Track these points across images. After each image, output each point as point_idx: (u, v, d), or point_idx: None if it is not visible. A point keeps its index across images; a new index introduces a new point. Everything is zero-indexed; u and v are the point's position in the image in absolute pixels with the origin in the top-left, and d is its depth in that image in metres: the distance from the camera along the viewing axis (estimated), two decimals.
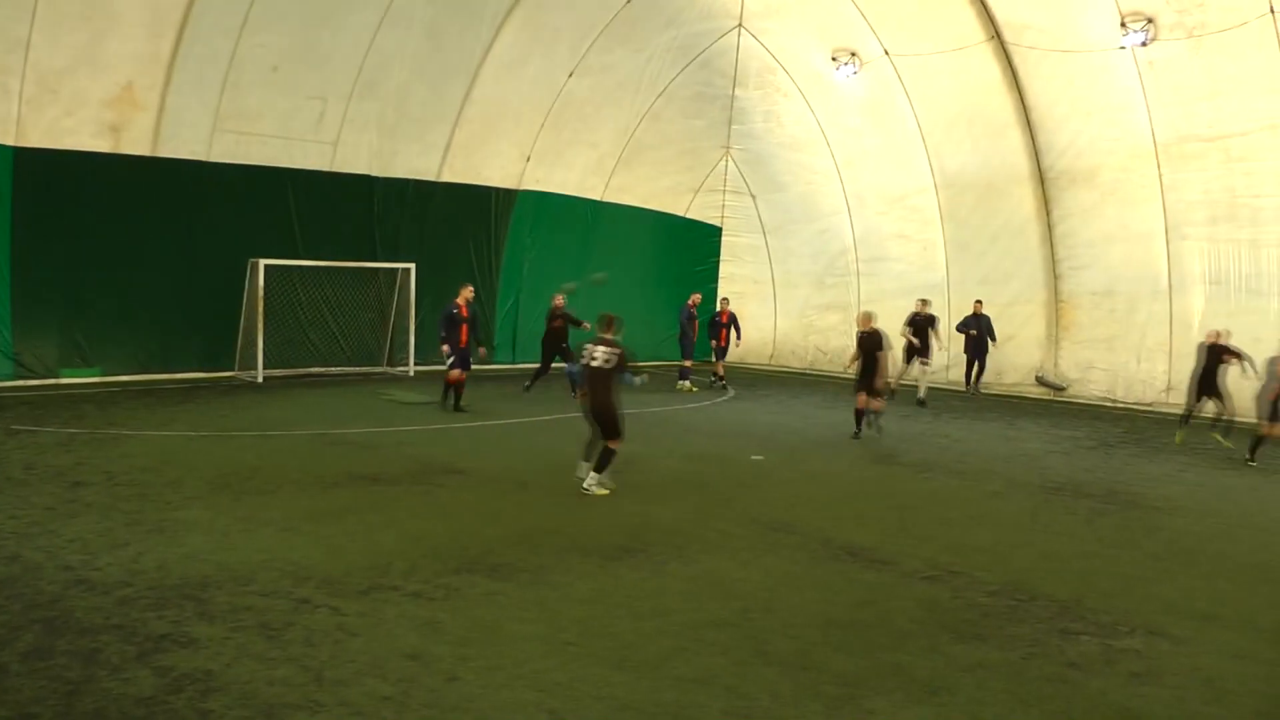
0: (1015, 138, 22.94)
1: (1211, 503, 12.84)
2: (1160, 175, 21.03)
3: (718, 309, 25.06)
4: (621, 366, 11.28)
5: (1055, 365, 23.45)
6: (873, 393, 16.50)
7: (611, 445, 11.34)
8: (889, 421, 17.24)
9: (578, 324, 19.80)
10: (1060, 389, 23.19)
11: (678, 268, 28.37)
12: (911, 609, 7.93)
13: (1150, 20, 19.67)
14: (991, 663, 6.86)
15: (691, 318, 23.61)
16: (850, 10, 23.34)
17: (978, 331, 23.11)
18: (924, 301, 22.25)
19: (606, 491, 11.31)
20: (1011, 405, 22.19)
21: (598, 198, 26.57)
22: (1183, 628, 7.79)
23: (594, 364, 11.31)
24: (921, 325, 21.69)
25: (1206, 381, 17.05)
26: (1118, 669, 6.87)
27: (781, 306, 28.96)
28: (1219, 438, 16.93)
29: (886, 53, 23.67)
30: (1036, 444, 17.02)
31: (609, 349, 11.30)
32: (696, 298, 24.37)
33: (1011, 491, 12.99)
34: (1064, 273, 23.14)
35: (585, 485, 11.35)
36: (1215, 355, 16.94)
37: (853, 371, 17.20)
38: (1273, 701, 6.51)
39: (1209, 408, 17.43)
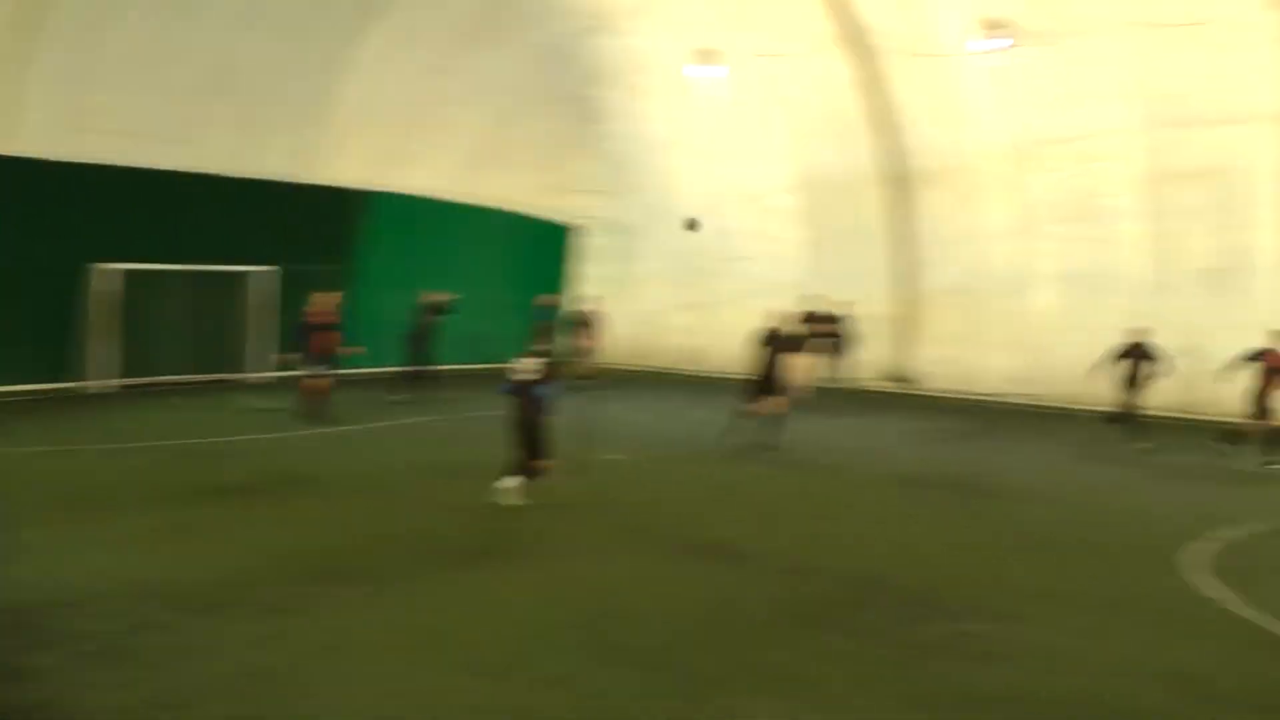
0: (874, 139, 23.44)
1: (1058, 489, 13.35)
2: (1015, 176, 21.81)
3: (580, 309, 25.07)
4: (549, 381, 10.93)
5: (910, 361, 24.03)
6: (778, 394, 15.31)
7: (541, 465, 10.91)
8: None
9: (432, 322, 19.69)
10: (914, 383, 23.77)
11: (539, 268, 28.27)
12: (767, 604, 8.05)
13: (1007, 26, 20.37)
14: (845, 652, 7.01)
15: (548, 317, 23.64)
16: (712, 11, 23.57)
17: (838, 333, 23.44)
18: (828, 302, 22.24)
19: (523, 503, 10.84)
20: (868, 400, 22.57)
21: (460, 199, 26.26)
22: (1030, 609, 8.10)
23: (521, 377, 11.00)
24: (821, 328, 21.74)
25: (1129, 378, 16.49)
26: (965, 651, 7.10)
27: (641, 306, 29.01)
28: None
29: (747, 53, 23.93)
30: (892, 438, 17.44)
31: (537, 361, 11.07)
32: (554, 298, 24.33)
33: (867, 484, 13.31)
34: (920, 271, 23.74)
35: (500, 489, 10.87)
36: (1136, 354, 16.45)
37: (752, 372, 15.63)
38: (1110, 671, 6.80)
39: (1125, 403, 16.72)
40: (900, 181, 23.54)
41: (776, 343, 15.39)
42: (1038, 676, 6.70)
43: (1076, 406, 18.96)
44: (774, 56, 23.71)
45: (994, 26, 20.45)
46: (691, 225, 18.59)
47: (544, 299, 24.82)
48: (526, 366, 11.06)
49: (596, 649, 6.94)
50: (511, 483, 10.95)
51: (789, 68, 23.67)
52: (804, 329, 16.56)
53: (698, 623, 7.56)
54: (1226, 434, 15.95)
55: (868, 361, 24.20)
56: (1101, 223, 20.91)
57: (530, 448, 10.93)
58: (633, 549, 9.57)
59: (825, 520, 11.26)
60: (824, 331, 21.99)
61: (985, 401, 22.19)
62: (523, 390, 10.97)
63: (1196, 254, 20.16)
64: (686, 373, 26.99)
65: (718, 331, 26.23)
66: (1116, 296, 20.53)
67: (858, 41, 22.41)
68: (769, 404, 15.24)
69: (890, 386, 24.01)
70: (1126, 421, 16.73)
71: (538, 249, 28.62)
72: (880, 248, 24.12)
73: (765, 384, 15.30)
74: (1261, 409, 15.50)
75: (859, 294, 23.87)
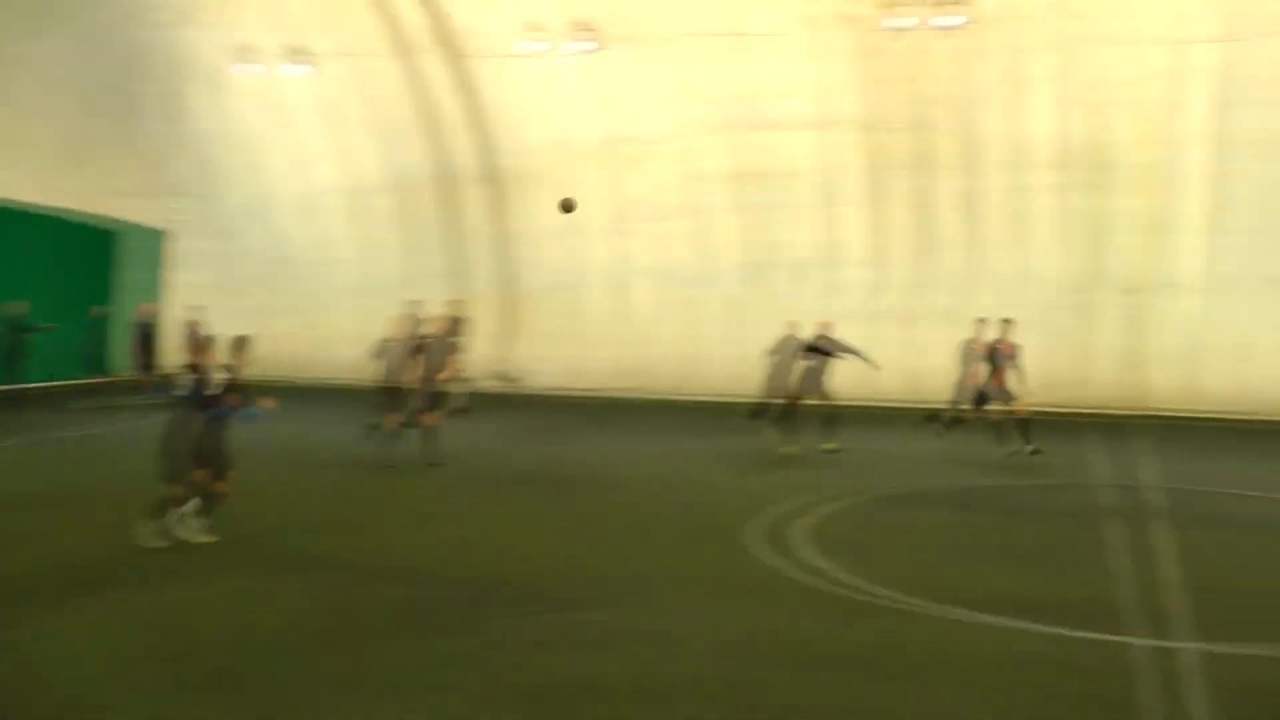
0: (467, 139, 23.59)
1: (659, 476, 13.93)
2: (607, 174, 22.65)
3: (186, 320, 23.42)
4: (228, 394, 9.76)
5: (513, 359, 24.36)
6: (437, 405, 14.60)
7: (221, 487, 9.77)
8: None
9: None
10: (518, 382, 24.11)
11: (127, 277, 26.20)
12: (376, 611, 7.77)
13: (593, 30, 21.15)
14: (459, 654, 6.85)
15: (146, 330, 22.06)
16: (299, 9, 22.84)
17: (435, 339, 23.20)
18: (454, 304, 21.68)
19: (214, 539, 9.59)
20: (472, 400, 22.45)
21: (35, 201, 23.77)
22: (636, 595, 8.29)
23: (205, 391, 9.74)
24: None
25: (811, 376, 15.60)
26: (580, 641, 7.14)
27: (238, 312, 27.45)
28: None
29: (338, 53, 23.37)
30: (496, 437, 17.55)
31: (220, 373, 9.85)
32: (149, 308, 22.75)
33: (473, 484, 13.27)
34: (517, 270, 24.14)
35: (181, 533, 9.54)
36: (819, 349, 15.67)
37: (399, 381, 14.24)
38: (715, 648, 7.06)
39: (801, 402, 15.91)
40: (495, 181, 23.81)
41: (428, 349, 14.75)
42: (652, 661, 6.83)
43: (679, 397, 19.92)
44: (366, 56, 23.33)
45: (581, 29, 21.19)
46: (567, 208, 17.30)
47: (144, 309, 23.10)
48: (211, 379, 9.82)
49: (186, 678, 6.36)
50: (188, 508, 9.73)
51: (381, 68, 23.38)
52: (446, 334, 16.33)
53: (303, 638, 7.13)
54: (943, 419, 15.94)
55: (470, 362, 24.23)
56: (692, 218, 22.16)
57: (212, 468, 9.77)
58: (232, 568, 8.91)
59: (433, 523, 11.11)
60: (453, 335, 21.74)
61: (591, 396, 22.83)
62: (203, 406, 9.75)
63: (780, 246, 21.94)
64: (288, 380, 25.90)
65: (318, 337, 25.47)
66: (708, 289, 21.86)
67: (447, 42, 22.48)
68: (426, 416, 14.34)
69: (495, 386, 24.19)
70: (786, 416, 15.82)
71: (126, 256, 26.50)
72: (476, 246, 24.32)
73: (421, 391, 14.42)
74: (983, 396, 15.36)
75: (458, 294, 23.79)
